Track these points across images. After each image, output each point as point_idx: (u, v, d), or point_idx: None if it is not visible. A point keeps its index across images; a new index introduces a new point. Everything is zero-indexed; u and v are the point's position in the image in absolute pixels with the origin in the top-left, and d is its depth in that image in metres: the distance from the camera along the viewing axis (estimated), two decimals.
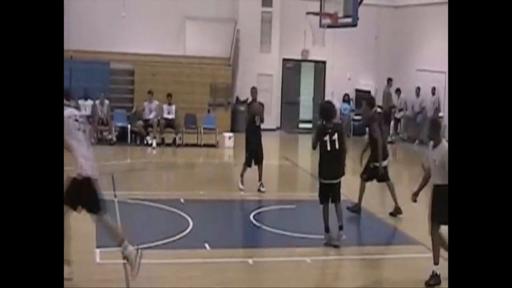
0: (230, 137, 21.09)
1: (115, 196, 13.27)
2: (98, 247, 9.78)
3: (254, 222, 11.81)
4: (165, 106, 21.12)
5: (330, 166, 10.46)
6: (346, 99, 25.99)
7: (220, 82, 23.85)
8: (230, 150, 20.55)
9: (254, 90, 14.94)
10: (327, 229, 10.42)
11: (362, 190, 12.49)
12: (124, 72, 23.99)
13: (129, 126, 20.99)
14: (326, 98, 25.52)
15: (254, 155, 14.37)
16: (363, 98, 24.02)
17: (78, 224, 11.10)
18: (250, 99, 15.16)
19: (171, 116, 21.02)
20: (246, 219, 12.05)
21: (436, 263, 8.70)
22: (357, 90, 26.74)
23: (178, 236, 10.59)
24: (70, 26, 23.92)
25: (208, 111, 23.02)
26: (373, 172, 12.31)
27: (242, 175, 14.45)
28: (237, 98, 25.11)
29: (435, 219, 8.70)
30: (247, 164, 14.43)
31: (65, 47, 23.59)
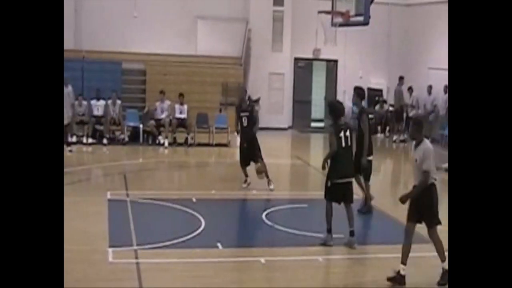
0: None
1: (127, 195, 13.33)
2: (110, 246, 9.81)
3: (266, 221, 11.82)
4: (177, 106, 21.15)
5: (347, 163, 10.44)
6: (355, 100, 25.90)
7: (232, 81, 23.85)
8: None
9: (242, 90, 14.97)
10: (329, 230, 10.35)
11: (364, 189, 12.41)
12: (136, 72, 24.05)
13: (141, 125, 21.05)
14: (338, 97, 25.51)
15: (245, 155, 14.51)
16: (373, 96, 24.02)
17: (91, 224, 11.21)
18: (237, 101, 15.14)
19: (183, 116, 21.06)
20: (258, 218, 12.06)
21: (443, 260, 8.69)
22: (369, 89, 26.67)
23: (190, 236, 10.61)
24: (83, 27, 24.07)
25: (220, 111, 23.03)
26: (357, 166, 11.89)
27: (245, 174, 14.58)
28: (249, 97, 25.06)
29: (411, 218, 8.74)
30: (241, 164, 14.59)
31: (78, 47, 23.77)
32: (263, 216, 12.10)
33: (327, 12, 20.13)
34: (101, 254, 9.47)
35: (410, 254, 8.68)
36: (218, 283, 8.76)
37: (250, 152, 14.44)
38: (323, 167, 10.36)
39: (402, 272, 8.68)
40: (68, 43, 23.63)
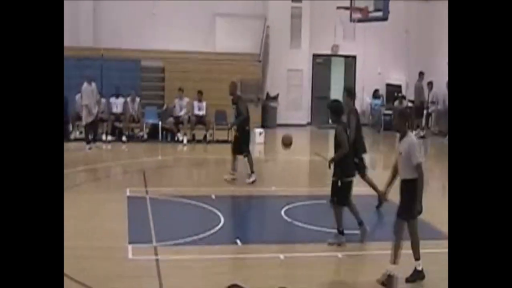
0: (260, 133, 21.09)
1: (146, 192, 13.38)
2: (130, 243, 9.85)
3: (285, 217, 11.81)
4: (195, 103, 21.20)
5: (352, 162, 10.53)
6: (376, 94, 25.88)
7: (250, 78, 23.84)
8: (261, 146, 20.56)
9: (232, 85, 15.16)
10: (342, 232, 10.23)
11: (370, 184, 12.27)
12: (155, 70, 24.14)
13: (160, 123, 21.11)
14: (357, 93, 25.44)
15: (233, 145, 15.13)
16: (392, 92, 23.82)
17: (111, 221, 11.26)
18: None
19: (201, 113, 21.10)
20: (277, 215, 12.05)
21: (417, 258, 8.64)
22: (387, 85, 26.60)
23: (209, 232, 10.63)
24: (102, 25, 24.17)
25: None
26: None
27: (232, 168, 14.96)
28: (267, 94, 25.12)
29: (400, 216, 8.62)
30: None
31: (97, 45, 23.88)
32: (282, 212, 12.10)
33: (346, 8, 20.09)
34: (121, 251, 9.51)
35: (430, 250, 8.62)
36: (237, 279, 8.74)
37: (237, 144, 14.85)
38: (330, 166, 10.26)
39: (393, 273, 8.51)
40: (87, 41, 23.78)
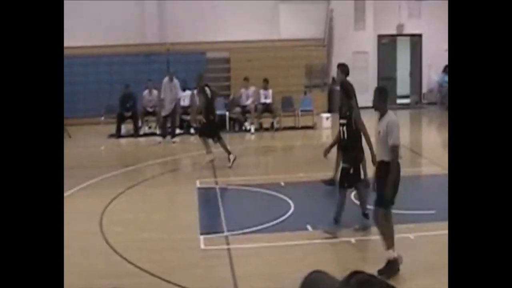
0: (327, 118, 21.03)
1: (216, 183, 13.50)
2: (202, 234, 9.97)
3: (355, 201, 11.73)
4: (261, 91, 21.25)
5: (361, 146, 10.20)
6: (446, 70, 25.40)
7: (315, 63, 23.77)
8: (328, 130, 20.47)
9: (199, 77, 15.82)
10: (367, 216, 9.93)
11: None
12: (220, 61, 24.30)
13: (227, 113, 21.25)
14: (423, 71, 25.09)
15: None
16: None
17: (182, 213, 11.44)
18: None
19: (268, 101, 21.14)
20: (347, 199, 11.96)
21: (388, 247, 8.15)
22: None
23: (280, 219, 10.67)
24: (166, 21, 24.46)
25: (305, 93, 23.00)
26: None
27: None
28: (333, 78, 24.93)
29: (375, 203, 8.17)
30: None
31: (162, 40, 24.19)
32: (352, 196, 12.01)
33: None
34: (193, 242, 9.64)
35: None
36: (309, 265, 8.73)
37: (205, 129, 15.47)
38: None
39: (391, 257, 8.07)
40: (153, 37, 24.12)
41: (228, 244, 9.57)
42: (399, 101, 26.52)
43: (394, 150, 7.85)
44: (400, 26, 25.73)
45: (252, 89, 21.28)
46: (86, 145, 19.02)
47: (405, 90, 26.89)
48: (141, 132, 20.66)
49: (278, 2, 25.14)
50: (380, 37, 26.14)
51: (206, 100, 15.24)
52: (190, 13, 24.28)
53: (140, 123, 20.90)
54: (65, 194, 12.22)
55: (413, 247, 9.43)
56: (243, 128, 20.97)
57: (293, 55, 23.85)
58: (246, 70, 22.51)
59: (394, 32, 26.04)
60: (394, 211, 10.24)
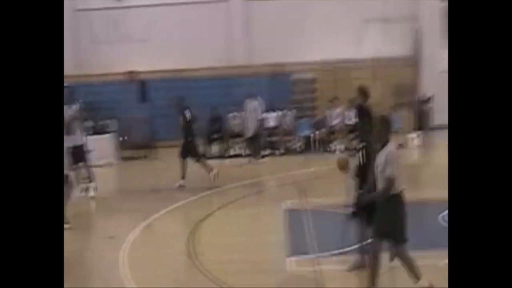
0: (416, 137, 20.74)
1: (302, 204, 13.43)
2: (289, 256, 9.93)
3: (443, 223, 11.45)
4: (346, 112, 21.13)
5: None
6: None
7: (403, 82, 23.47)
8: (417, 149, 20.15)
9: (179, 100, 16.08)
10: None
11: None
12: (306, 81, 24.37)
13: (313, 134, 21.21)
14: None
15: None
16: None
17: (269, 235, 11.44)
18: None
19: (352, 121, 21.00)
20: (434, 220, 11.71)
21: (419, 277, 7.87)
22: None
23: (367, 240, 10.49)
24: (252, 43, 24.72)
25: (393, 112, 22.71)
26: None
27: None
28: (420, 97, 24.62)
29: (376, 235, 7.74)
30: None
31: (248, 63, 24.43)
32: (439, 218, 11.74)
33: None
34: (281, 264, 9.61)
35: None
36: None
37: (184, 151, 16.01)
38: None
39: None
40: (240, 59, 24.42)
41: (316, 265, 9.47)
42: None
43: (388, 182, 7.43)
44: None
45: (338, 109, 21.19)
46: (175, 168, 19.31)
47: None
48: (229, 153, 20.88)
49: (364, 21, 25.02)
50: None
51: (186, 123, 15.83)
52: (275, 35, 24.45)
53: (227, 145, 21.14)
54: (153, 217, 12.47)
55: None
56: (328, 149, 20.86)
57: (380, 74, 23.63)
58: (332, 90, 22.47)
59: None
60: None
